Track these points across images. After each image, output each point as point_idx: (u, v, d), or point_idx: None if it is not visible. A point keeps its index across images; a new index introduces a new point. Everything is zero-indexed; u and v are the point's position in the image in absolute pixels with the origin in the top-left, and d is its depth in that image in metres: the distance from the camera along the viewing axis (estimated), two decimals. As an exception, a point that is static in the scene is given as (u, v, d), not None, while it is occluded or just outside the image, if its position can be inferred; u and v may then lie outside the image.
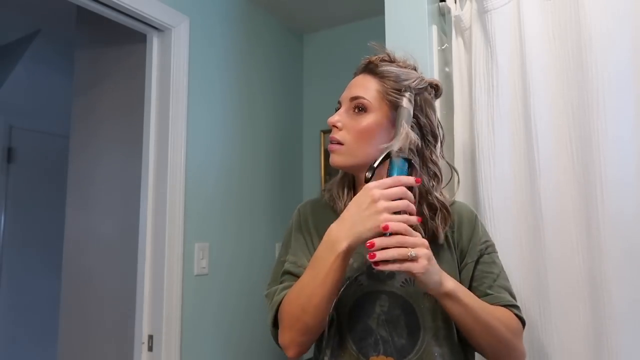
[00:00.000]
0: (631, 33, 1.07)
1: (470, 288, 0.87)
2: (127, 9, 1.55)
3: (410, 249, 0.71)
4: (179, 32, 1.72)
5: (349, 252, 0.74)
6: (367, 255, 0.71)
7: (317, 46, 2.47)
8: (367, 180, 0.77)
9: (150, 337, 1.61)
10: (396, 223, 0.71)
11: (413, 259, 0.70)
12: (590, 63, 1.08)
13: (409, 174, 0.80)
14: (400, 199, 0.74)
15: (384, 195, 0.73)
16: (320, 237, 0.88)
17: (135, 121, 1.74)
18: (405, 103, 0.85)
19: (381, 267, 0.71)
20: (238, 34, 2.03)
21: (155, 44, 1.72)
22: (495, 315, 0.82)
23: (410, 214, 0.74)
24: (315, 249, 0.88)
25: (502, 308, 0.85)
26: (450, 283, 0.77)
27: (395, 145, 0.79)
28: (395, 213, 0.73)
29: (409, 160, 0.80)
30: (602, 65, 1.07)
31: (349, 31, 2.36)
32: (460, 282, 0.87)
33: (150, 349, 1.60)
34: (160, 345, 1.58)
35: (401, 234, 0.71)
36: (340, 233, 0.74)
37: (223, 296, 1.84)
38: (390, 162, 0.79)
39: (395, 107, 0.86)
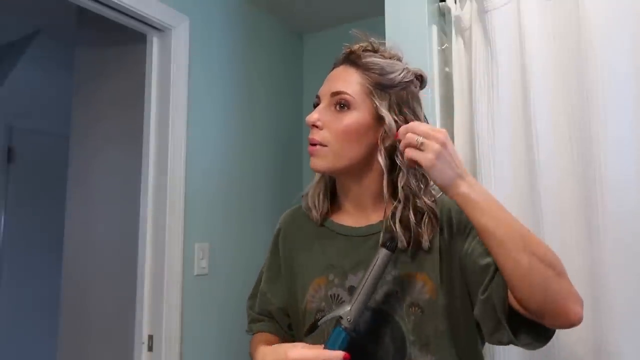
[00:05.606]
0: (631, 33, 1.07)
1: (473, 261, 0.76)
2: (127, 9, 1.55)
3: (418, 136, 0.66)
4: (179, 32, 1.72)
5: None
6: None
7: (317, 46, 2.47)
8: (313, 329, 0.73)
9: (150, 337, 1.61)
10: None
11: (420, 148, 0.66)
12: (590, 63, 1.08)
13: (346, 342, 0.69)
14: None
15: None
16: (295, 262, 0.88)
17: (136, 121, 1.74)
18: (382, 258, 0.71)
19: None
20: (238, 34, 2.03)
21: (155, 44, 1.72)
22: (534, 237, 0.69)
23: None
24: (287, 277, 0.89)
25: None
26: (464, 186, 0.68)
27: (348, 315, 0.69)
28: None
29: (352, 333, 0.70)
30: (602, 65, 1.07)
31: (349, 31, 2.35)
32: (465, 270, 0.77)
33: (150, 349, 1.60)
34: (160, 345, 1.58)
35: None
36: None
37: (223, 296, 1.84)
38: (334, 328, 0.70)
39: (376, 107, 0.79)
